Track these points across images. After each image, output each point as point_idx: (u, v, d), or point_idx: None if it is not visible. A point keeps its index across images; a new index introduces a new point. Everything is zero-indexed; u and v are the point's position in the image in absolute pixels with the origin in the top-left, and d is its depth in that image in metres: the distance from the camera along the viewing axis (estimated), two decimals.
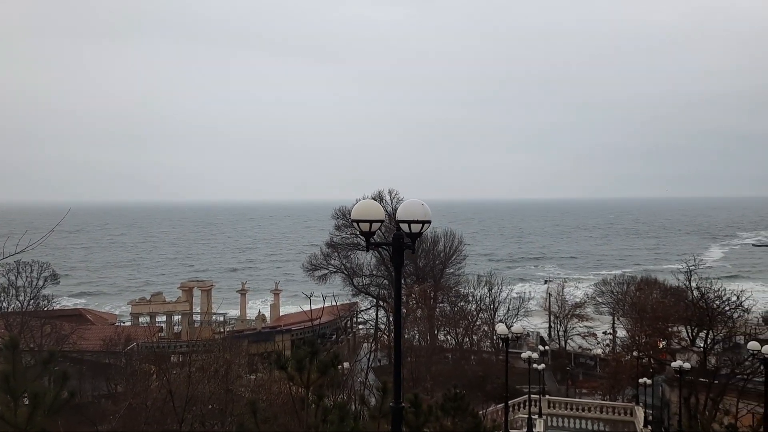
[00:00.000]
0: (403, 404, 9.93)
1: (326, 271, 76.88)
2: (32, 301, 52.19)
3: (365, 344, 67.93)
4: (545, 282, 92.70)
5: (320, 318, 55.15)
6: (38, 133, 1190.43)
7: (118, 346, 51.34)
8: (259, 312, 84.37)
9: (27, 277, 52.22)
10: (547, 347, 73.34)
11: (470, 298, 69.95)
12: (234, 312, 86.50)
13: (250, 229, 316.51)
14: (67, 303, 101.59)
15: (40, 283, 53.18)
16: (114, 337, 53.55)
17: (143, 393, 22.05)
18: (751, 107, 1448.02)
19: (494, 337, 58.24)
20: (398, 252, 8.72)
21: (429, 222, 8.78)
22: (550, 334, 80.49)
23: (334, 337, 74.21)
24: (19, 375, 8.82)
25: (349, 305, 78.90)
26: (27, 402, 8.51)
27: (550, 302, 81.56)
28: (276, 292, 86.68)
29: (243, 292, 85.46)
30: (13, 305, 51.42)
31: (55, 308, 60.71)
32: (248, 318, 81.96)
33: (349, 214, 74.95)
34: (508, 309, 72.19)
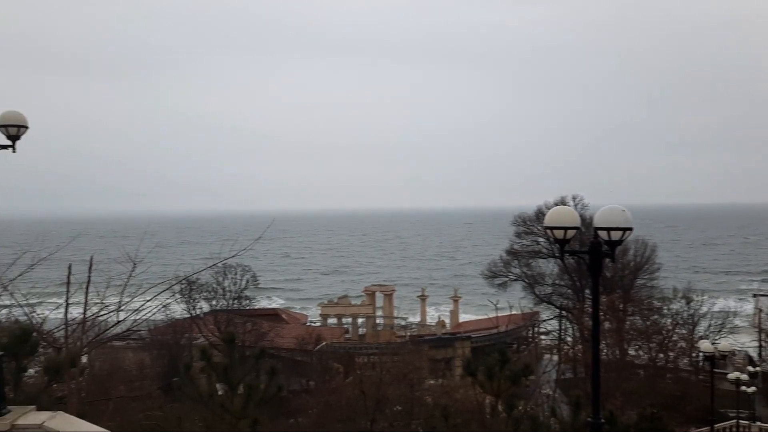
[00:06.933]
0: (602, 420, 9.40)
1: (506, 279, 75.62)
2: (236, 300, 57.38)
3: (547, 355, 65.76)
4: (754, 296, 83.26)
5: (507, 326, 54.23)
6: None
7: (309, 345, 54.81)
8: (439, 318, 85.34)
9: (232, 278, 57.48)
10: (757, 368, 65.75)
11: (665, 311, 64.74)
12: (414, 317, 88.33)
13: (422, 237, 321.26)
14: (265, 303, 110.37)
15: (243, 284, 58.26)
16: (305, 336, 57.30)
17: (337, 390, 23.20)
18: None
19: (693, 355, 53.39)
20: (596, 261, 8.27)
21: (630, 229, 8.25)
22: (760, 354, 72.11)
23: (515, 346, 72.79)
24: (235, 367, 9.78)
25: (530, 314, 77.01)
26: (241, 392, 9.33)
27: (760, 318, 73.35)
28: (455, 299, 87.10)
29: (423, 298, 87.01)
30: (220, 304, 56.98)
31: (255, 308, 66.12)
32: (428, 323, 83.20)
33: (530, 221, 73.32)
34: (710, 325, 65.75)
